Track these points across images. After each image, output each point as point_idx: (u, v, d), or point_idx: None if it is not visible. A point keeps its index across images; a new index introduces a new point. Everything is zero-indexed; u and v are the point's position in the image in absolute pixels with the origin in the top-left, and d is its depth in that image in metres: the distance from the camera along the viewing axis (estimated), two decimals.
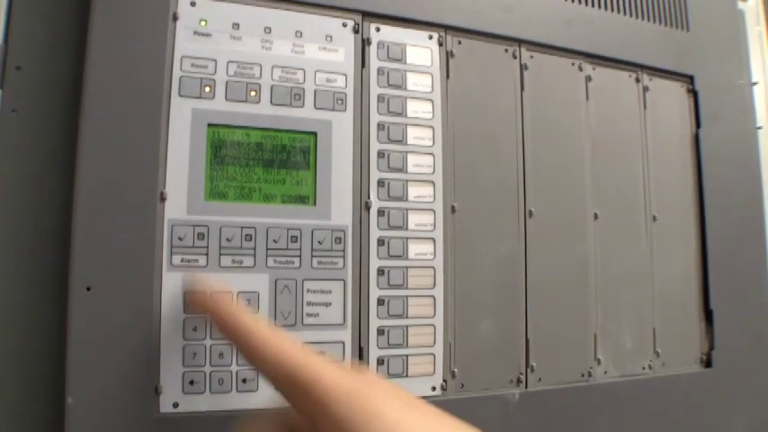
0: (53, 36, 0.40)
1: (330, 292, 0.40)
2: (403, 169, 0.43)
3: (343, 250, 0.41)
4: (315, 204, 0.41)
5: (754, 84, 0.60)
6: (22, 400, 0.36)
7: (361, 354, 0.41)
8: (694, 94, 0.55)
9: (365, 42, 0.43)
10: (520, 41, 0.48)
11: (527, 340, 0.45)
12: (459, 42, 0.46)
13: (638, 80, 0.53)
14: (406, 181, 0.43)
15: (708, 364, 0.52)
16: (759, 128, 0.60)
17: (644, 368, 0.49)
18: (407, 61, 0.44)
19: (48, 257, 0.37)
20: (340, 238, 0.41)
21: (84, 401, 0.34)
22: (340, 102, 0.42)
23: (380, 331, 0.41)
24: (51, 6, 0.40)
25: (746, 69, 0.59)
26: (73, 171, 0.36)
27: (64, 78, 0.39)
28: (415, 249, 0.43)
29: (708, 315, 0.52)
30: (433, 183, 0.44)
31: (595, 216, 0.49)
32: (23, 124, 0.39)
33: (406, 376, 0.42)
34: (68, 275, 0.35)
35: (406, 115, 0.44)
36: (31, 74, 0.39)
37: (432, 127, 0.44)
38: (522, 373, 0.45)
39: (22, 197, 0.38)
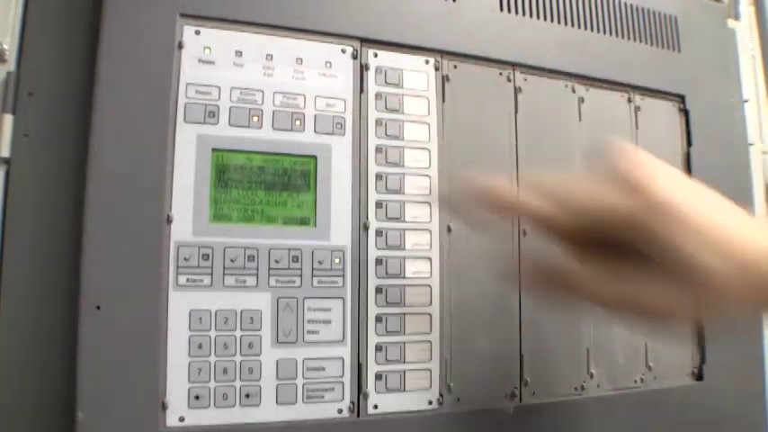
0: (64, 63, 0.41)
1: (330, 309, 0.42)
2: (400, 191, 0.45)
3: (343, 269, 0.42)
4: (315, 225, 0.42)
5: (746, 101, 0.61)
6: (36, 415, 0.38)
7: (359, 369, 0.42)
8: (685, 113, 0.56)
9: (363, 68, 0.45)
10: (514, 65, 0.50)
11: (521, 355, 0.47)
12: (455, 66, 0.48)
13: (630, 100, 0.54)
14: (404, 202, 0.45)
15: (699, 377, 0.53)
16: (750, 144, 0.61)
17: (636, 382, 0.51)
18: (404, 86, 0.46)
19: (59, 278, 0.39)
20: (339, 258, 0.42)
21: (94, 416, 0.36)
22: (339, 126, 0.44)
23: (379, 347, 0.43)
24: (62, 35, 0.41)
25: (737, 88, 0.60)
26: (83, 194, 0.37)
27: (74, 104, 0.40)
28: (412, 268, 0.44)
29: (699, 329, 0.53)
30: (429, 204, 0.45)
31: None
32: (35, 148, 0.40)
33: (404, 391, 0.43)
34: (79, 295, 0.36)
35: (403, 138, 0.45)
36: (42, 100, 0.40)
37: (428, 149, 0.46)
38: (516, 388, 0.46)
39: (34, 219, 0.39)
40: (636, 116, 0.54)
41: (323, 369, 0.41)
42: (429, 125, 0.46)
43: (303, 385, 0.41)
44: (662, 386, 0.51)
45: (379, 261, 0.43)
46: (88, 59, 0.39)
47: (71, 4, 0.41)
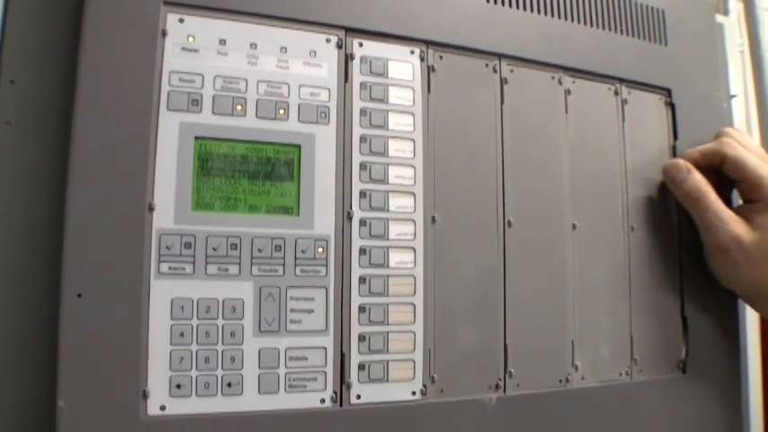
0: (46, 51, 0.41)
1: (313, 299, 0.42)
2: (384, 181, 0.44)
3: (326, 259, 0.42)
4: (298, 215, 0.42)
5: (733, 96, 0.61)
6: (15, 403, 0.38)
7: (342, 359, 0.42)
8: (672, 106, 0.56)
9: (348, 57, 0.45)
10: (500, 56, 0.49)
11: (505, 346, 0.47)
12: (441, 57, 0.47)
13: (616, 93, 0.54)
14: (388, 192, 0.44)
15: (684, 370, 0.53)
16: None
17: (621, 374, 0.51)
18: (389, 76, 0.46)
19: (40, 266, 0.39)
20: (323, 248, 0.42)
21: (74, 404, 0.35)
22: (323, 115, 0.43)
23: (362, 337, 0.43)
24: (44, 22, 0.41)
25: (724, 82, 0.60)
26: (64, 182, 0.37)
27: (56, 92, 0.40)
28: (395, 258, 0.44)
29: (684, 322, 0.54)
30: (413, 194, 0.45)
31: (573, 226, 0.50)
32: (17, 136, 0.40)
33: (387, 381, 0.43)
34: (60, 283, 0.36)
35: (387, 128, 0.45)
36: (24, 87, 0.40)
37: (413, 140, 0.46)
38: (500, 379, 0.46)
39: (15, 207, 0.39)
40: (623, 109, 0.54)
41: (305, 359, 0.41)
42: (414, 115, 0.46)
43: (285, 375, 0.40)
44: (647, 379, 0.51)
45: (362, 251, 0.43)
46: (71, 47, 0.39)
47: None
